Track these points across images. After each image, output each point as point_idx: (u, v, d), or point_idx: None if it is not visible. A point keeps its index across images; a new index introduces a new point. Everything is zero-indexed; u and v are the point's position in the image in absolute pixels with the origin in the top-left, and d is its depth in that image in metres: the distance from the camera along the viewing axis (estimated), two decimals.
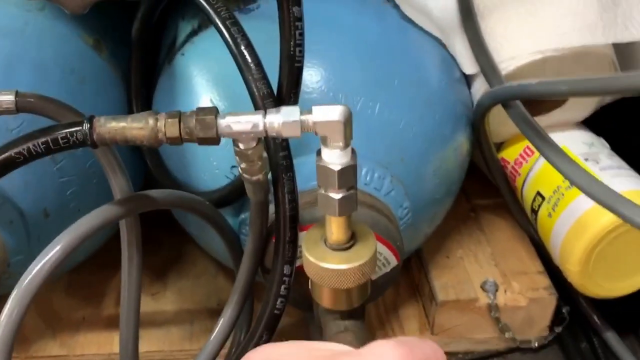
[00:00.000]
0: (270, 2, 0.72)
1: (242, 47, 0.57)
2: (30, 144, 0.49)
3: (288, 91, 0.57)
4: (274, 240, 0.61)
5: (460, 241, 0.86)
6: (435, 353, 0.38)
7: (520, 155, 0.82)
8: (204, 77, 0.71)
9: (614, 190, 0.59)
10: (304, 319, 0.78)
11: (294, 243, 0.59)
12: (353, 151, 0.48)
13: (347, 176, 0.48)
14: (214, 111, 0.48)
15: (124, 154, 0.76)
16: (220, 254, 0.75)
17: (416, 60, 0.72)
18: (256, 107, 0.56)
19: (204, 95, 0.70)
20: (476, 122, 0.76)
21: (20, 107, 0.55)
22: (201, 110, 0.48)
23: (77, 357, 0.81)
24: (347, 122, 0.47)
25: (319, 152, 0.49)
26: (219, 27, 0.58)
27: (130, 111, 0.77)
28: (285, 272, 0.60)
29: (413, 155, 0.69)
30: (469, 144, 0.77)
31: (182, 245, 0.91)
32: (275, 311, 0.61)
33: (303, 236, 0.56)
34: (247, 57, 0.57)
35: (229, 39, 0.57)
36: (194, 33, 0.74)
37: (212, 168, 0.69)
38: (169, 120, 0.47)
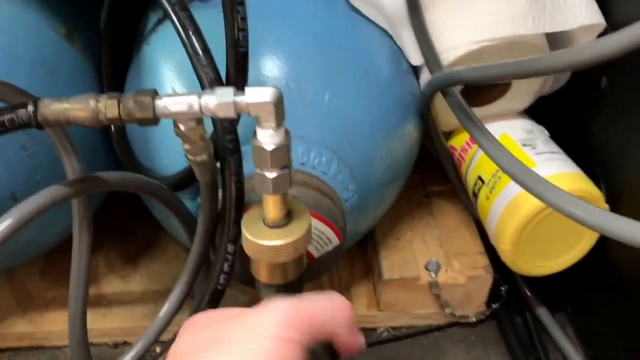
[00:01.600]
0: None
1: (190, 33, 0.56)
2: None
3: (235, 76, 0.56)
4: None
5: (411, 224, 0.85)
6: (336, 304, 0.40)
7: (466, 142, 0.81)
8: (167, 65, 0.69)
9: (538, 175, 0.58)
10: None
11: (238, 223, 0.58)
12: (287, 132, 0.48)
13: (280, 156, 0.47)
14: (151, 93, 0.47)
15: (97, 140, 0.75)
16: (182, 237, 0.74)
17: (365, 50, 0.71)
18: None
19: (168, 82, 0.68)
20: (423, 110, 0.76)
21: None
22: (139, 92, 0.47)
23: (43, 332, 0.81)
24: (278, 103, 0.46)
25: (254, 134, 0.48)
26: (169, 12, 0.57)
27: None
28: (229, 250, 0.59)
29: (360, 141, 0.68)
30: (417, 133, 0.76)
31: (157, 234, 0.90)
32: (219, 286, 0.60)
33: None
34: (195, 43, 0.56)
35: (178, 25, 0.56)
36: (158, 22, 0.73)
37: (173, 153, 0.68)
38: (109, 101, 0.46)
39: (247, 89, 0.46)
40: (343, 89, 0.68)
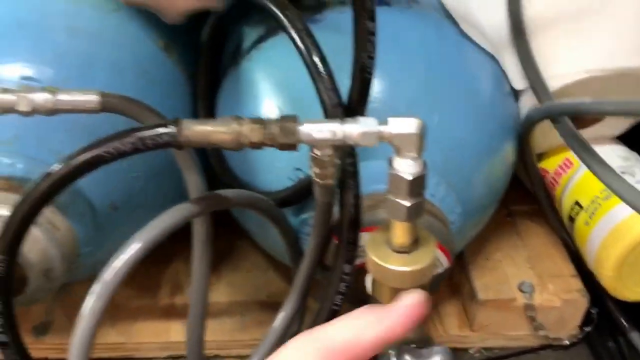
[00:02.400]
0: (335, 12, 0.71)
1: (316, 58, 0.56)
2: (118, 143, 0.48)
3: (358, 101, 0.56)
4: (334, 240, 0.61)
5: (498, 244, 0.85)
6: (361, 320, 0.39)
7: (560, 166, 0.80)
8: (268, 82, 0.70)
9: None
10: None
11: (354, 244, 0.58)
12: (424, 162, 0.47)
13: (418, 185, 0.47)
14: (295, 119, 0.46)
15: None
16: (277, 250, 0.74)
17: (472, 74, 0.71)
18: (327, 116, 0.56)
19: (268, 99, 0.69)
20: (523, 134, 0.75)
21: (105, 107, 0.54)
22: (283, 118, 0.47)
23: (134, 344, 0.81)
24: (422, 134, 0.45)
25: (390, 161, 0.48)
26: (294, 38, 0.58)
27: (195, 112, 0.76)
28: (345, 270, 0.59)
29: (465, 164, 0.68)
30: (514, 155, 0.76)
31: (234, 241, 0.90)
32: (334, 307, 0.60)
33: (362, 237, 0.55)
34: (320, 67, 0.56)
35: (304, 50, 0.57)
36: (260, 40, 0.73)
37: (275, 170, 0.68)
38: (254, 126, 0.46)
39: (390, 119, 0.45)
40: (451, 111, 0.67)
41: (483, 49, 0.74)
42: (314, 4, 0.73)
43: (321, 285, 0.65)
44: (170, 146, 0.48)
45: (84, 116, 0.56)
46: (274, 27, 0.72)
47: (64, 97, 0.54)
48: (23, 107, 0.54)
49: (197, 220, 0.58)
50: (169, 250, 0.65)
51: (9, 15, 0.67)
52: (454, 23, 0.74)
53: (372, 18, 0.54)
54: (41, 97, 0.53)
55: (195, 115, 0.75)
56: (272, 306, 0.82)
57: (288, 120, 0.46)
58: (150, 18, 0.73)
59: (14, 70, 0.64)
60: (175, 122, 0.47)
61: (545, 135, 0.76)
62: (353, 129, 0.46)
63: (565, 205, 0.78)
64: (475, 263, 0.82)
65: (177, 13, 0.44)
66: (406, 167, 0.47)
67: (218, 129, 0.47)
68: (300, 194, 0.65)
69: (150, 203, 0.71)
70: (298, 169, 0.66)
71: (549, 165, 0.82)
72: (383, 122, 0.46)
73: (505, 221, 0.88)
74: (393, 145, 0.46)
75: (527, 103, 0.75)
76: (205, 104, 0.75)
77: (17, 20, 0.67)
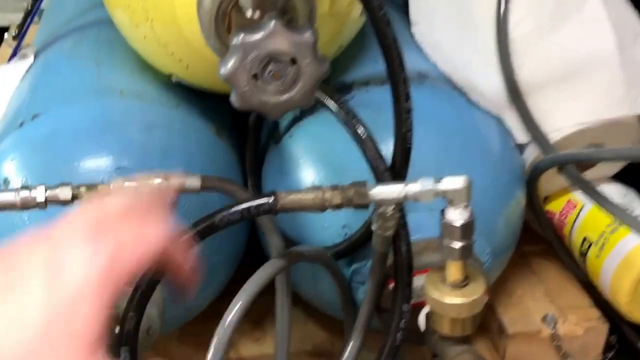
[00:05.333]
0: (361, 91, 0.82)
1: (363, 134, 0.67)
2: (227, 214, 0.58)
3: (401, 168, 0.66)
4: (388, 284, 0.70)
5: (517, 282, 0.94)
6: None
7: (564, 207, 0.90)
8: (309, 156, 0.80)
9: None
10: None
11: (410, 285, 0.68)
12: (472, 210, 0.57)
13: (468, 230, 0.57)
14: (365, 184, 0.57)
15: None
16: (325, 301, 0.83)
17: (482, 134, 0.82)
18: (377, 179, 0.66)
19: (313, 169, 0.79)
20: (531, 181, 0.85)
21: (204, 186, 0.64)
22: (355, 184, 0.57)
23: None
24: (470, 188, 0.56)
25: (443, 211, 0.58)
26: (339, 114, 0.69)
27: (245, 185, 0.85)
28: (403, 309, 0.68)
29: (489, 211, 0.77)
30: (524, 200, 0.86)
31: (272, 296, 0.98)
32: (396, 343, 0.69)
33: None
34: (367, 141, 0.67)
35: (352, 127, 0.67)
36: (298, 118, 0.83)
37: (324, 228, 0.77)
38: (334, 192, 0.56)
39: (445, 178, 0.56)
40: (469, 167, 0.76)
41: (488, 112, 0.85)
42: (341, 86, 0.84)
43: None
44: (268, 213, 0.58)
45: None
46: (308, 108, 0.79)
47: (174, 180, 0.63)
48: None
49: (279, 275, 0.67)
50: (217, 309, 0.71)
51: (97, 118, 0.78)
52: (461, 93, 0.85)
53: (408, 99, 0.64)
54: (157, 182, 0.62)
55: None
56: (318, 355, 0.90)
57: (360, 185, 0.57)
58: (204, 108, 0.85)
59: (108, 162, 0.74)
60: (273, 194, 0.57)
61: (549, 180, 0.87)
62: (414, 189, 0.56)
63: (575, 242, 0.88)
64: (499, 300, 0.91)
65: (279, 113, 0.55)
66: (458, 215, 0.57)
67: (307, 196, 0.57)
68: (352, 247, 0.74)
69: (217, 264, 0.80)
70: (345, 226, 0.75)
71: (555, 207, 0.92)
72: (437, 180, 0.56)
73: (519, 261, 0.97)
74: (446, 198, 0.56)
75: (531, 154, 0.86)
76: (253, 177, 0.86)
77: (104, 120, 0.78)
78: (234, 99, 0.56)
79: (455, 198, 0.56)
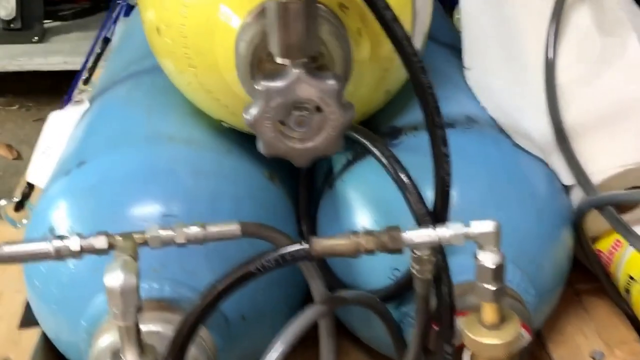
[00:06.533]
0: (409, 136, 0.85)
1: (405, 179, 0.70)
2: (263, 261, 0.60)
3: (441, 211, 0.69)
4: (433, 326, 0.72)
5: (569, 320, 0.95)
6: None
7: (612, 246, 0.91)
8: (362, 198, 0.82)
9: None
10: None
11: (452, 327, 0.69)
12: (502, 253, 0.60)
13: (499, 272, 0.59)
14: (398, 229, 0.60)
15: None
16: (380, 343, 0.84)
17: (528, 176, 0.84)
18: (419, 224, 0.68)
19: (364, 214, 0.81)
20: (577, 222, 0.87)
21: (244, 233, 0.66)
22: (389, 229, 0.60)
23: None
24: (499, 232, 0.58)
25: (475, 254, 0.60)
26: (384, 162, 0.71)
27: (299, 230, 0.88)
28: (447, 350, 0.70)
29: (534, 252, 0.79)
30: (572, 241, 0.87)
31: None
32: None
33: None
34: (409, 185, 0.69)
35: (394, 174, 0.70)
36: (349, 163, 0.85)
37: (374, 271, 0.79)
38: (368, 237, 0.59)
39: (472, 222, 0.58)
40: (515, 209, 0.80)
41: (534, 155, 0.87)
42: (389, 131, 0.87)
43: None
44: (304, 259, 0.61)
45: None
46: (359, 152, 0.84)
47: (212, 228, 0.65)
48: (180, 240, 0.65)
49: (323, 319, 0.70)
50: None
51: (144, 165, 0.80)
52: (508, 136, 0.87)
53: (445, 143, 0.67)
54: (194, 231, 0.65)
55: (300, 233, 0.87)
56: None
57: (393, 230, 0.59)
58: (257, 153, 0.87)
59: (154, 209, 0.76)
60: (308, 240, 0.60)
61: (596, 221, 0.88)
62: (446, 233, 0.59)
63: (621, 279, 0.89)
64: (551, 338, 0.92)
65: (306, 161, 0.57)
66: (488, 258, 0.59)
67: (341, 242, 0.60)
68: (400, 289, 0.76)
69: (271, 311, 0.82)
70: (396, 269, 0.78)
71: (603, 246, 0.93)
72: (467, 224, 0.59)
73: (572, 299, 0.98)
74: (477, 242, 0.59)
75: (577, 195, 0.87)
76: (308, 222, 0.88)
77: (151, 168, 0.80)
78: (260, 146, 0.57)
79: (485, 241, 0.58)
